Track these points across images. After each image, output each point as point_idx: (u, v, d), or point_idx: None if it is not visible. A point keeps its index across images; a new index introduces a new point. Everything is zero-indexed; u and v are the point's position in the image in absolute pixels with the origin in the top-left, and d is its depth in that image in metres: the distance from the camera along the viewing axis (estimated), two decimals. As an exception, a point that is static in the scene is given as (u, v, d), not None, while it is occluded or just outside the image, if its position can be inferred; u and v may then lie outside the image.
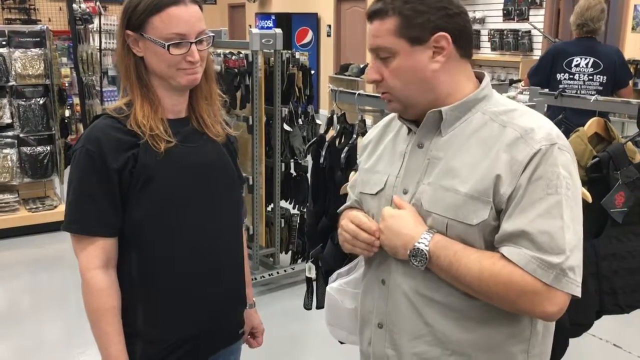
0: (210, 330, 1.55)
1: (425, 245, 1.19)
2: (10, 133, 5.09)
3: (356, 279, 1.52)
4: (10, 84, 5.02)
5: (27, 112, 5.10)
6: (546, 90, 3.21)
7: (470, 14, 1.50)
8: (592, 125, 2.09)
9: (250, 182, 3.94)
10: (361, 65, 9.31)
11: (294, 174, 4.18)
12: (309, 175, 3.41)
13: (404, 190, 1.28)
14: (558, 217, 1.13)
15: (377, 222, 1.30)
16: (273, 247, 4.20)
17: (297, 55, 4.05)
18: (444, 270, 1.19)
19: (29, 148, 5.15)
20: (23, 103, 5.08)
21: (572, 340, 1.89)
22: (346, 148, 2.46)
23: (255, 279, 3.97)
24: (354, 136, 2.50)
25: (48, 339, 3.48)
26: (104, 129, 1.41)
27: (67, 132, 5.62)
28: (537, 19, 7.75)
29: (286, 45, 4.50)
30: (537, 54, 7.65)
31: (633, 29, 6.82)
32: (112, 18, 6.44)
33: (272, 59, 3.88)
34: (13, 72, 5.01)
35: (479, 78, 1.30)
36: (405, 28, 1.20)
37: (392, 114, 1.47)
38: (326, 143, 2.63)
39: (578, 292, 1.13)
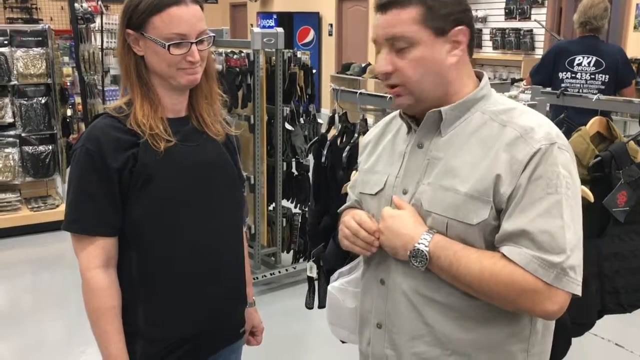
0: (211, 330, 1.55)
1: (425, 246, 1.19)
2: (12, 132, 5.09)
3: (357, 278, 1.51)
4: (12, 83, 5.02)
5: (29, 112, 5.10)
6: (548, 89, 3.21)
7: (472, 13, 1.50)
8: (594, 124, 2.08)
9: (252, 182, 3.94)
10: (363, 64, 9.31)
11: (296, 173, 4.17)
12: (310, 174, 3.42)
13: (403, 190, 1.28)
14: (558, 217, 1.13)
15: (377, 222, 1.30)
16: (275, 246, 4.20)
17: (299, 54, 4.04)
18: (444, 271, 1.19)
19: (30, 147, 5.15)
20: (25, 102, 5.09)
21: (574, 340, 1.88)
22: (348, 147, 2.46)
23: (257, 278, 3.97)
24: (356, 135, 2.50)
25: (49, 338, 3.49)
26: (103, 129, 1.41)
27: (69, 131, 5.62)
28: (539, 17, 7.73)
29: (288, 45, 4.51)
30: (539, 52, 7.64)
31: (635, 28, 6.81)
32: (114, 17, 6.43)
33: (274, 58, 3.88)
34: (15, 72, 5.01)
35: (478, 77, 1.30)
36: (430, 18, 1.19)
37: (392, 114, 1.46)
38: (328, 142, 2.63)
39: (578, 291, 1.13)
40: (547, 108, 3.41)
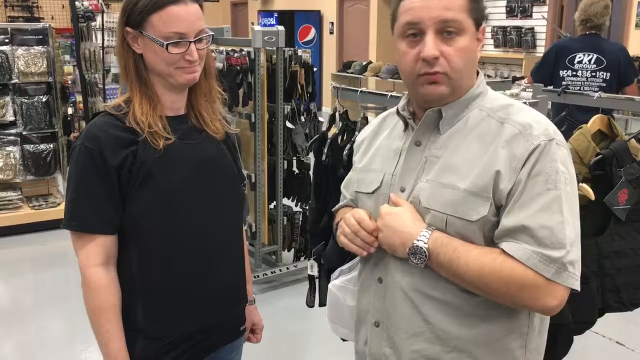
0: (211, 327, 1.55)
1: (425, 243, 1.18)
2: (13, 131, 5.10)
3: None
4: (13, 81, 5.03)
5: (30, 110, 5.11)
6: (550, 87, 3.20)
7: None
8: (595, 122, 2.08)
9: (253, 180, 3.94)
10: (364, 63, 9.30)
11: (297, 171, 4.17)
12: (311, 172, 3.41)
13: (401, 188, 1.27)
14: (558, 212, 1.13)
15: (375, 221, 1.29)
16: (275, 244, 4.20)
17: (300, 52, 4.04)
18: (444, 268, 1.18)
19: (31, 146, 5.16)
20: (26, 101, 5.09)
21: (575, 338, 1.88)
22: (348, 145, 2.45)
23: (258, 276, 3.97)
24: (356, 133, 2.49)
25: (51, 336, 3.49)
26: (102, 127, 1.41)
27: (70, 129, 5.63)
28: (540, 15, 7.72)
29: (289, 43, 4.50)
30: (541, 50, 7.62)
31: (637, 26, 6.79)
32: (115, 16, 6.43)
33: (275, 56, 3.87)
34: (16, 70, 5.02)
35: None
36: (473, 9, 1.19)
37: (386, 112, 1.46)
38: (328, 140, 2.62)
39: (577, 286, 1.14)
40: (549, 106, 3.41)
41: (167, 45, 1.38)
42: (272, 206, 4.18)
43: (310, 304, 2.57)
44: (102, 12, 5.77)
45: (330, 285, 1.60)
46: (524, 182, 1.14)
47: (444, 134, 1.24)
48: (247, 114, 3.91)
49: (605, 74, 4.09)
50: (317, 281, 2.41)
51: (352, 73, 9.31)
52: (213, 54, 3.67)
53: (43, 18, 11.58)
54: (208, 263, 1.52)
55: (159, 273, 1.46)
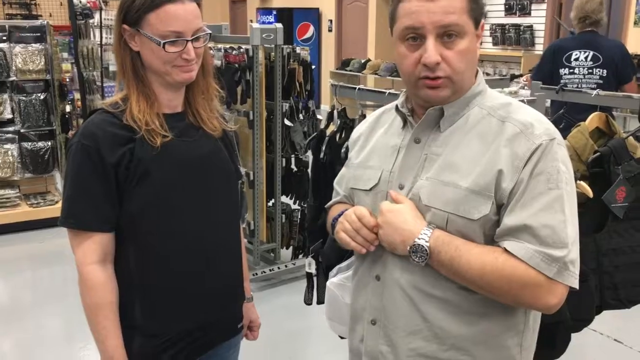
0: (209, 325, 1.55)
1: (426, 241, 1.18)
2: (11, 128, 5.09)
3: (356, 274, 1.51)
4: (11, 79, 5.02)
5: (27, 108, 5.10)
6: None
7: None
8: (593, 119, 2.07)
9: (251, 178, 3.94)
10: (362, 61, 9.29)
11: (295, 169, 4.17)
12: (309, 170, 3.41)
13: (399, 185, 1.27)
14: (560, 212, 1.13)
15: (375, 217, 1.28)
16: (274, 242, 4.20)
17: (298, 50, 4.04)
18: (445, 266, 1.18)
19: (29, 143, 5.15)
20: (24, 98, 5.08)
21: (573, 335, 1.88)
22: (346, 143, 2.45)
23: (256, 274, 3.97)
24: (354, 131, 2.49)
25: (49, 334, 3.49)
26: (99, 124, 1.41)
27: (68, 127, 5.61)
28: (539, 13, 7.72)
29: (287, 41, 4.50)
30: (539, 48, 7.62)
31: (635, 23, 6.79)
32: (113, 13, 6.42)
33: (273, 54, 3.87)
34: (14, 67, 5.01)
35: None
36: (473, 9, 1.18)
37: (382, 108, 1.45)
38: (326, 138, 2.62)
39: (576, 284, 1.14)
40: (548, 104, 3.41)
41: (164, 43, 1.38)
42: (270, 204, 4.17)
43: (308, 301, 2.57)
44: (100, 9, 5.75)
45: (328, 283, 1.59)
46: (526, 181, 1.14)
47: (444, 131, 1.24)
48: (245, 111, 3.90)
49: (601, 70, 4.11)
50: (315, 279, 2.41)
51: (350, 71, 9.29)
52: (211, 51, 3.67)
53: (41, 15, 11.55)
54: (205, 260, 1.52)
55: (156, 270, 1.46)
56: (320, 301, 2.23)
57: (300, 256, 4.21)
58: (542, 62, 4.40)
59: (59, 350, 3.31)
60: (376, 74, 8.65)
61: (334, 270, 1.62)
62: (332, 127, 2.76)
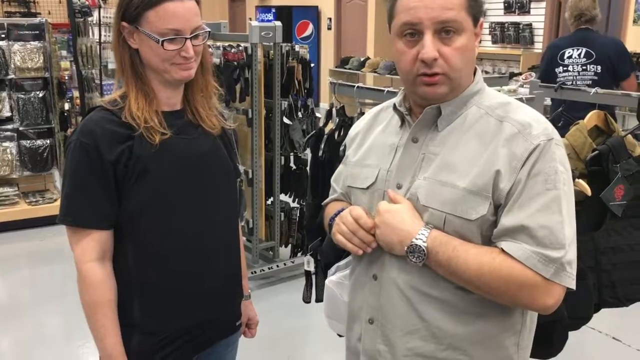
0: (207, 322, 1.55)
1: (424, 242, 1.17)
2: (9, 126, 5.09)
3: (354, 272, 1.51)
4: (10, 77, 5.02)
5: (26, 105, 5.09)
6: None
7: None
8: (592, 118, 2.08)
9: (250, 176, 3.94)
10: (362, 59, 9.29)
11: (294, 167, 4.17)
12: (308, 168, 3.41)
13: (397, 184, 1.26)
14: (557, 212, 1.13)
15: (371, 217, 1.28)
16: (273, 240, 4.20)
17: (297, 48, 4.03)
18: (442, 266, 1.18)
19: (28, 141, 5.15)
20: (22, 96, 5.07)
21: (571, 334, 1.88)
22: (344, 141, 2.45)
23: (255, 272, 3.97)
24: (353, 129, 2.49)
25: (48, 332, 3.49)
26: (98, 122, 1.40)
27: (67, 125, 5.60)
28: (538, 12, 7.72)
29: (287, 39, 4.49)
30: (538, 47, 7.63)
31: (635, 21, 6.79)
32: (112, 11, 6.41)
33: (272, 51, 3.86)
34: (12, 65, 5.00)
35: None
36: (472, 6, 1.18)
37: (380, 106, 1.45)
38: (325, 136, 2.62)
39: (573, 285, 1.14)
40: (545, 102, 3.42)
41: (163, 41, 1.37)
42: (269, 202, 4.17)
43: (307, 299, 2.57)
44: (99, 7, 5.75)
45: (326, 281, 1.59)
46: (524, 182, 1.14)
47: (441, 131, 1.24)
48: (244, 109, 3.90)
49: (595, 67, 4.14)
50: (314, 277, 2.41)
51: (349, 69, 9.29)
52: (210, 49, 3.66)
53: (40, 13, 11.52)
54: (204, 258, 1.52)
55: (155, 268, 1.46)
56: (319, 299, 2.23)
57: (299, 254, 4.21)
58: (542, 62, 4.50)
59: (58, 348, 3.31)
60: (375, 71, 8.65)
61: (333, 268, 1.62)
62: (330, 125, 2.76)
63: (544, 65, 4.42)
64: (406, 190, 1.25)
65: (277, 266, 4.11)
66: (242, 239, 1.75)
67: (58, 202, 5.07)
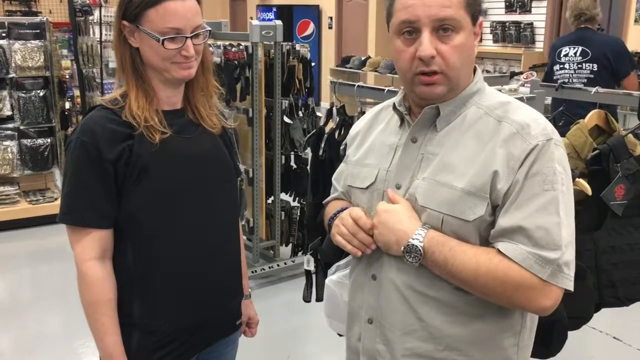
0: (207, 321, 1.55)
1: (420, 242, 1.17)
2: (10, 125, 5.09)
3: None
4: (10, 76, 5.02)
5: (27, 104, 5.09)
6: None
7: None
8: (592, 117, 2.07)
9: (251, 175, 3.94)
10: (362, 58, 9.28)
11: (294, 166, 4.17)
12: (309, 167, 3.41)
13: (396, 185, 1.26)
14: (554, 213, 1.12)
15: (370, 216, 1.27)
16: (273, 239, 4.20)
17: (298, 47, 4.03)
18: (439, 267, 1.18)
19: (29, 140, 5.15)
20: (23, 95, 5.08)
21: (571, 333, 1.88)
22: (345, 140, 2.45)
23: (256, 271, 3.97)
24: (354, 128, 2.49)
25: (49, 331, 3.49)
26: (98, 121, 1.40)
27: (68, 124, 5.61)
28: (540, 11, 7.71)
29: (287, 38, 4.49)
30: (539, 46, 7.63)
31: (636, 21, 6.78)
32: (113, 10, 6.41)
33: (272, 51, 3.86)
34: (13, 64, 5.00)
35: None
36: (470, 4, 1.17)
37: (381, 105, 1.45)
38: (325, 135, 2.62)
39: (571, 287, 1.14)
40: (546, 101, 3.42)
41: (163, 40, 1.37)
42: (269, 201, 4.17)
43: (307, 299, 2.57)
44: (100, 6, 5.74)
45: (327, 281, 1.59)
46: (521, 183, 1.13)
47: (440, 131, 1.23)
48: (244, 108, 3.90)
49: (591, 65, 4.16)
50: (314, 276, 2.41)
51: (350, 68, 9.29)
52: (211, 48, 3.66)
53: (41, 12, 11.53)
54: (204, 257, 1.51)
55: (155, 267, 1.46)
56: (319, 299, 2.23)
57: (300, 254, 4.21)
58: (548, 64, 4.56)
59: (58, 347, 3.31)
60: (376, 71, 8.64)
61: (333, 268, 1.62)
62: (331, 124, 2.76)
63: (548, 65, 4.51)
64: (405, 191, 1.24)
65: (278, 265, 4.12)
66: (243, 238, 1.74)
67: (59, 201, 5.06)
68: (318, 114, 4.14)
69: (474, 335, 1.22)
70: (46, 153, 5.21)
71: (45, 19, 5.26)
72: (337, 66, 10.07)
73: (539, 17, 7.70)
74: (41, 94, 5.13)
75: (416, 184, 1.23)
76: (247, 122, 3.89)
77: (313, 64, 4.16)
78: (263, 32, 3.72)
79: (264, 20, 10.06)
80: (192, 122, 1.52)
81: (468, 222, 1.16)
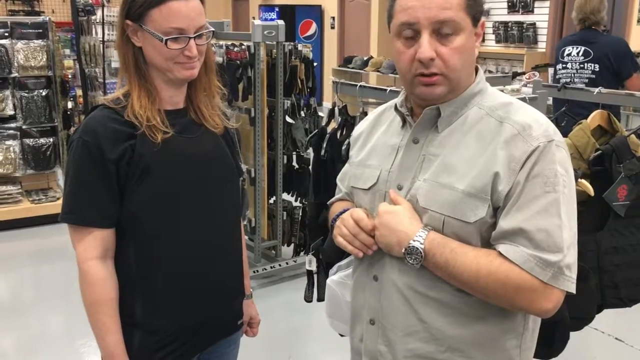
0: (209, 321, 1.55)
1: (421, 243, 1.17)
2: (12, 125, 5.10)
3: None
4: (13, 75, 5.02)
5: (29, 104, 5.10)
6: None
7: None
8: (595, 117, 2.07)
9: (253, 175, 3.94)
10: (365, 58, 9.28)
11: (296, 166, 4.17)
12: (311, 167, 3.41)
13: (398, 185, 1.26)
14: (556, 215, 1.12)
15: (372, 217, 1.27)
16: (275, 239, 4.20)
17: (300, 47, 4.03)
18: (440, 268, 1.17)
19: (31, 140, 5.16)
20: (26, 95, 5.08)
21: (573, 334, 1.88)
22: (347, 140, 2.45)
23: (257, 271, 3.97)
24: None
25: (51, 330, 3.50)
26: (101, 120, 1.40)
27: (70, 123, 5.62)
28: (542, 11, 7.70)
29: (290, 38, 4.49)
30: (542, 46, 7.61)
31: (638, 21, 6.76)
32: (115, 9, 6.42)
33: (275, 50, 3.86)
34: (15, 64, 5.01)
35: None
36: (471, 5, 1.17)
37: (384, 106, 1.45)
38: (327, 135, 2.62)
39: (573, 289, 1.13)
40: (550, 102, 3.42)
41: (166, 40, 1.37)
42: (271, 201, 4.17)
43: (308, 299, 2.57)
44: (103, 5, 5.75)
45: (328, 281, 1.59)
46: (522, 184, 1.13)
47: (442, 132, 1.23)
48: (246, 108, 3.90)
49: (593, 65, 4.16)
50: (315, 276, 2.41)
51: (353, 68, 9.28)
52: (213, 48, 3.66)
53: (43, 12, 11.55)
54: (206, 257, 1.51)
55: (156, 267, 1.46)
56: (321, 299, 2.24)
57: (301, 254, 4.21)
58: (555, 63, 4.56)
59: (60, 346, 3.31)
60: (378, 71, 8.64)
61: (334, 268, 1.62)
62: (333, 124, 2.76)
63: (555, 66, 4.52)
64: (407, 192, 1.24)
65: (279, 265, 4.12)
66: (244, 238, 1.74)
67: (61, 201, 5.07)
68: (320, 113, 4.14)
69: (475, 336, 1.22)
70: (48, 152, 5.22)
71: (47, 19, 5.26)
72: (339, 66, 10.07)
73: (541, 17, 7.69)
74: (44, 93, 5.14)
75: (417, 185, 1.22)
76: (249, 122, 3.89)
77: (315, 64, 4.16)
78: (265, 32, 3.72)
79: (266, 20, 10.06)
80: (194, 122, 1.52)
81: (469, 224, 1.16)
